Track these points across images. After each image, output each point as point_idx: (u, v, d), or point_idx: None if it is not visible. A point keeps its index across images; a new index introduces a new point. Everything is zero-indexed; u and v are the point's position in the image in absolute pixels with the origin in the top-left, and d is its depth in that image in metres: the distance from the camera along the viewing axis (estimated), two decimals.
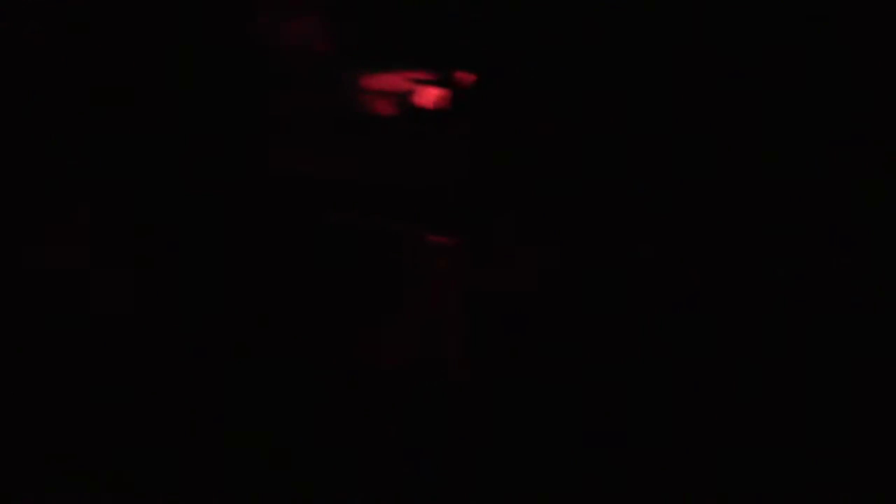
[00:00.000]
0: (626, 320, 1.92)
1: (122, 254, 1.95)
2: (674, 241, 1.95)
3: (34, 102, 1.93)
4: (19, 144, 1.93)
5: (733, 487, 1.75)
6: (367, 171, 1.99)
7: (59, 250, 1.92)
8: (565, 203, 2.00)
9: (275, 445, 1.86)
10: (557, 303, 1.96)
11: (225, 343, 1.92)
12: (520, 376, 1.91)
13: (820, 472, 1.72)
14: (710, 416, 1.83)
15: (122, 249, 1.96)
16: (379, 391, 1.92)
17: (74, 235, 1.93)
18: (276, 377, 1.92)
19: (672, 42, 1.93)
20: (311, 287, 1.96)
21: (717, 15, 1.90)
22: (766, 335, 1.83)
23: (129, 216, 1.95)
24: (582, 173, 2.00)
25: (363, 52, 2.03)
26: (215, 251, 1.95)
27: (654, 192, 1.95)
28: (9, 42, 1.88)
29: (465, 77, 2.03)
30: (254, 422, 1.89)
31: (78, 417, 1.86)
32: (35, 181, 1.93)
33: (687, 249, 1.93)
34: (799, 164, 1.85)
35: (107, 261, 1.94)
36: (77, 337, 1.89)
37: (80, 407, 1.86)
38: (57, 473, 1.80)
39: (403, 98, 2.00)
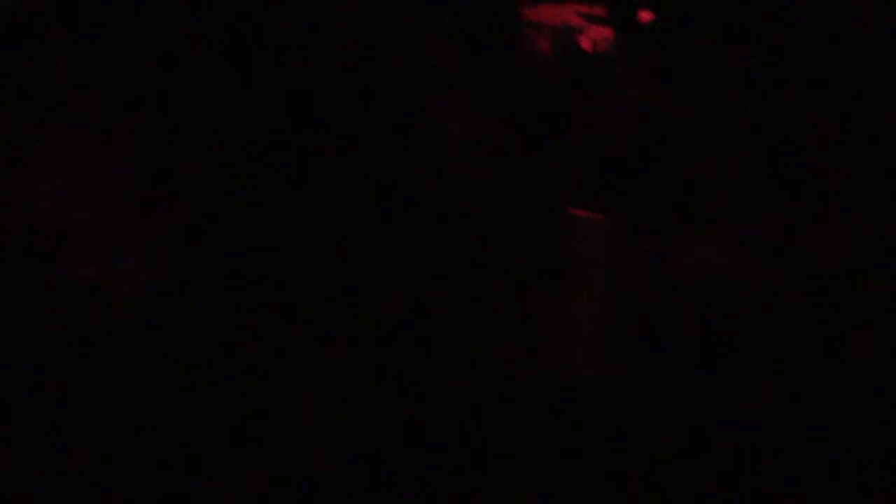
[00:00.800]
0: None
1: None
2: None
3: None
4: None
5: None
6: (513, 129, 1.64)
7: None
8: (747, 181, 1.69)
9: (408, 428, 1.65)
10: (717, 300, 1.68)
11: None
12: (657, 379, 1.68)
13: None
14: None
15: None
16: (505, 386, 1.64)
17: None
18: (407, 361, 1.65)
19: None
20: (445, 266, 1.66)
21: None
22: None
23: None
24: (774, 150, 1.69)
25: None
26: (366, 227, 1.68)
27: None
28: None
29: (645, 16, 1.66)
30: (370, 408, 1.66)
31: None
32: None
33: None
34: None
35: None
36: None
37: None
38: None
39: (568, 36, 1.63)
